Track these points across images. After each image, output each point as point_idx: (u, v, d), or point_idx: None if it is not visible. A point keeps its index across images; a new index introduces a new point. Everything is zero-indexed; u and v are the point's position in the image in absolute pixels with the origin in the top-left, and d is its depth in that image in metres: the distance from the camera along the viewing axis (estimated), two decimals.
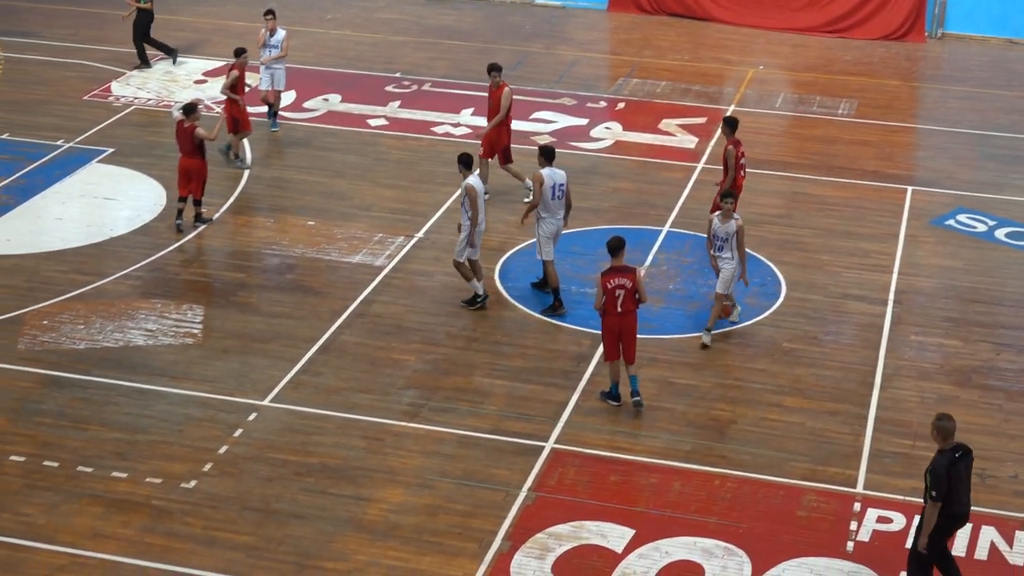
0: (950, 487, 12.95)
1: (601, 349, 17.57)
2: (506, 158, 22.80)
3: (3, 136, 25.19)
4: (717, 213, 18.57)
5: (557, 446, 16.28)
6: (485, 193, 20.08)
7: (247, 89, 24.45)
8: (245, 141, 24.49)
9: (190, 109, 21.58)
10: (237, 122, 23.87)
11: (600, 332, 17.28)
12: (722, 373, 17.95)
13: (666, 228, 22.03)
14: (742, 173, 20.67)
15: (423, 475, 15.71)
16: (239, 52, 24.10)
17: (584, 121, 26.61)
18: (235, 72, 23.79)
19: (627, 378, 17.08)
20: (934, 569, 13.56)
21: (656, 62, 30.34)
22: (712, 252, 18.58)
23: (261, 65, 25.46)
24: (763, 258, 21.06)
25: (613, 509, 15.14)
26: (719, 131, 25.92)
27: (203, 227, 21.63)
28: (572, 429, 16.64)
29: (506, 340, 18.68)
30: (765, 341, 18.80)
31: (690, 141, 25.70)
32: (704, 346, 18.39)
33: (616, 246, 17.01)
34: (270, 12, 25.43)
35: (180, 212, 21.55)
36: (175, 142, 21.89)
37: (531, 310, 19.39)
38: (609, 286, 16.81)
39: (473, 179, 19.06)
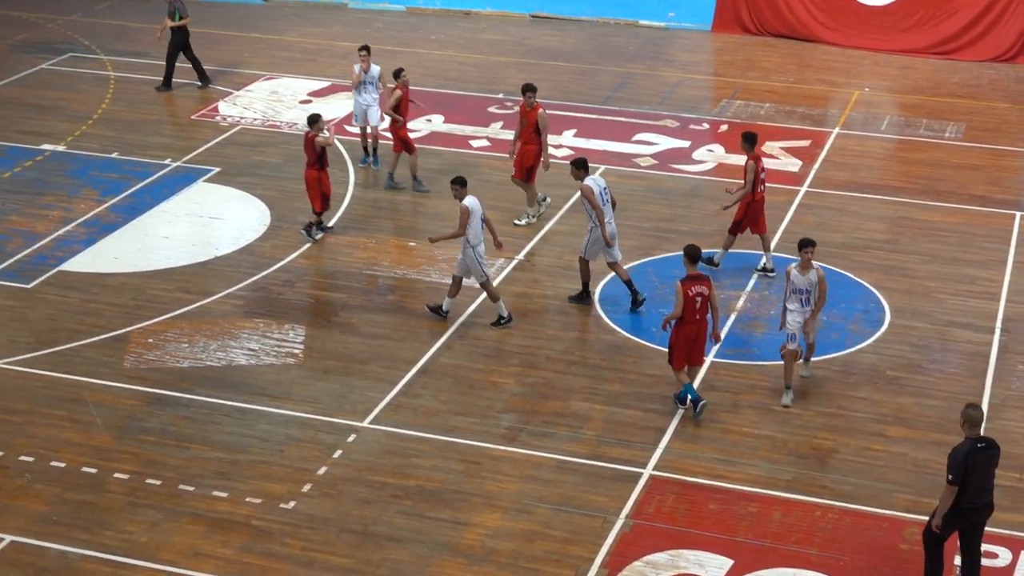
0: (966, 476, 13.21)
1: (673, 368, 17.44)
2: (527, 177, 22.82)
3: (113, 155, 25.62)
4: (795, 264, 17.51)
5: (656, 473, 16.17)
6: (533, 216, 22.43)
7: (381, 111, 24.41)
8: (348, 161, 24.66)
9: (313, 119, 21.87)
10: (407, 142, 23.90)
11: (673, 342, 17.25)
12: (824, 401, 17.74)
13: (769, 253, 21.81)
14: (761, 188, 20.76)
15: (520, 500, 15.68)
16: (398, 72, 23.86)
17: (687, 143, 26.48)
18: (398, 92, 23.61)
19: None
20: (943, 551, 13.82)
21: (760, 83, 30.14)
22: (787, 305, 17.53)
23: (360, 102, 24.79)
24: (867, 284, 20.80)
25: (711, 538, 15.01)
26: (823, 153, 25.71)
27: (312, 238, 21.94)
28: (671, 456, 16.53)
29: (605, 364, 18.62)
30: (868, 369, 18.55)
31: (793, 164, 25.46)
32: (786, 407, 17.60)
33: (695, 254, 17.29)
34: (365, 48, 24.89)
35: (319, 223, 22.20)
36: (304, 154, 22.21)
37: (631, 334, 19.31)
38: (690, 293, 16.94)
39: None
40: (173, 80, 29.22)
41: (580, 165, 19.95)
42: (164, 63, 29.21)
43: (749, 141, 20.80)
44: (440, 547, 14.87)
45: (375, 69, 24.70)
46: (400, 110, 23.67)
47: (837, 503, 15.65)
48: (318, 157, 21.86)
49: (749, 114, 28.07)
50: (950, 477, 13.32)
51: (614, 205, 20.13)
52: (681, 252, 17.55)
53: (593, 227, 19.73)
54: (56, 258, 21.53)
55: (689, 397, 17.35)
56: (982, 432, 13.58)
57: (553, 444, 16.78)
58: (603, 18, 34.91)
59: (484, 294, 19.95)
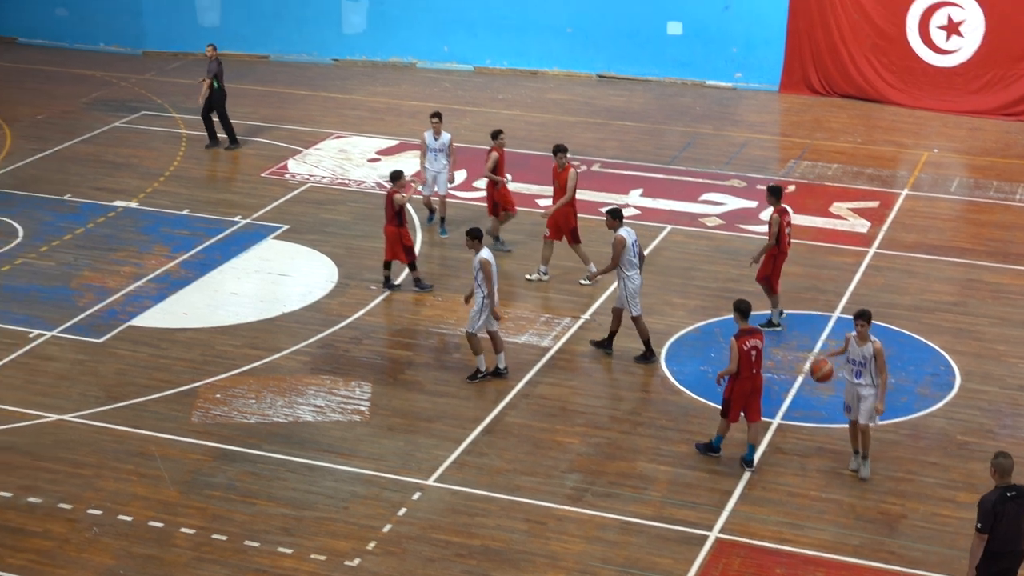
0: (995, 523, 13.39)
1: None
2: (574, 238, 22.92)
3: (184, 211, 25.92)
4: (853, 334, 17.10)
5: (722, 536, 16.05)
6: (545, 274, 22.80)
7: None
8: (416, 219, 24.81)
9: (395, 176, 22.17)
10: (497, 205, 23.87)
11: (728, 397, 17.31)
12: (893, 465, 17.55)
13: (836, 314, 21.72)
14: (788, 242, 20.92)
15: (585, 561, 15.61)
16: (496, 134, 23.99)
17: (754, 203, 26.44)
18: (495, 154, 23.69)
19: (746, 439, 17.54)
20: None
21: (828, 144, 30.06)
22: (850, 379, 17.14)
23: (429, 169, 24.61)
24: (937, 347, 20.62)
25: None
26: (892, 215, 25.58)
27: (424, 288, 22.39)
28: (737, 519, 16.41)
29: (671, 425, 18.54)
30: (937, 433, 18.35)
31: (862, 225, 25.35)
32: (863, 479, 17.21)
33: (746, 309, 17.40)
34: (437, 115, 24.85)
35: (386, 278, 22.47)
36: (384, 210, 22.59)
37: (697, 395, 19.23)
38: (745, 348, 17.01)
39: (486, 252, 19.60)
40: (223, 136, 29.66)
41: (615, 215, 20.23)
42: (217, 122, 29.57)
43: (775, 194, 21.04)
44: None
45: (446, 136, 24.69)
46: (498, 172, 23.80)
47: (906, 569, 15.47)
48: (396, 213, 22.04)
49: (817, 175, 28.00)
50: (979, 525, 13.52)
51: (642, 259, 20.29)
52: (756, 312, 17.51)
53: (627, 280, 19.87)
54: (127, 313, 21.78)
55: (748, 459, 17.40)
56: (1012, 481, 13.67)
57: (618, 505, 16.71)
58: (670, 78, 35.01)
59: (548, 355, 20.00)
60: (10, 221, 25.46)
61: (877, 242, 24.61)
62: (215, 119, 29.50)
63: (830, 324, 21.31)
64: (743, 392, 17.17)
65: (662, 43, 34.94)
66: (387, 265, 22.53)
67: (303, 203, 26.46)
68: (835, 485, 17.07)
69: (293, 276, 23.27)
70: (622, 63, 35.37)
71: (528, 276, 22.99)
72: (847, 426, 17.55)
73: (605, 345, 20.43)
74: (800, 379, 19.69)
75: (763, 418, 17.63)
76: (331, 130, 30.83)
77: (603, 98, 33.71)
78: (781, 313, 21.27)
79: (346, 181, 27.60)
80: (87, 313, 21.77)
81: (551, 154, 23.11)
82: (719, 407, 18.69)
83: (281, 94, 33.79)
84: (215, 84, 29.12)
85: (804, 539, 15.99)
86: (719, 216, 25.82)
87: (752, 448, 17.40)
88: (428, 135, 24.67)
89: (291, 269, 23.52)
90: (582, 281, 22.75)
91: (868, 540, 15.99)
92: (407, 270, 22.64)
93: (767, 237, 21.21)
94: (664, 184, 27.41)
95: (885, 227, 25.25)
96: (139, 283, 22.72)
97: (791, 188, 27.28)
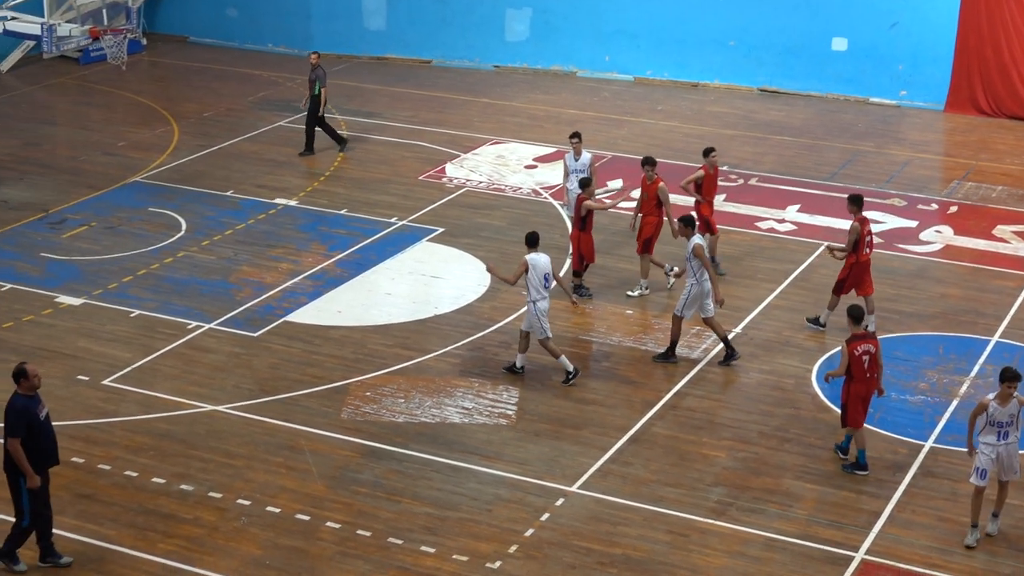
0: None
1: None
2: (643, 249, 22.75)
3: (342, 211, 26.30)
4: (993, 396, 15.87)
5: (868, 557, 15.78)
6: (646, 288, 22.68)
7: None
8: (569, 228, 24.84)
9: (585, 183, 22.32)
10: (707, 224, 23.06)
11: (845, 401, 17.51)
12: None
13: (995, 338, 21.23)
14: (867, 250, 20.97)
15: None
16: (707, 152, 23.36)
17: (914, 223, 25.97)
18: (700, 172, 23.12)
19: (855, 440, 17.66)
20: None
21: (993, 166, 29.41)
22: (982, 438, 15.95)
23: (571, 189, 23.95)
24: None
25: None
26: None
27: (579, 298, 22.25)
28: (885, 541, 16.12)
29: (820, 443, 18.29)
30: None
31: None
32: (968, 547, 16.03)
33: (859, 315, 17.52)
34: (576, 135, 24.18)
35: (576, 286, 22.60)
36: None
37: None
38: (856, 352, 17.18)
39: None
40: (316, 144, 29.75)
41: (688, 223, 20.37)
42: (467, 130, 29.81)
43: (855, 203, 21.18)
44: None
45: (586, 157, 24.13)
46: (704, 190, 23.19)
47: None
48: (582, 219, 22.12)
49: (980, 196, 27.41)
50: None
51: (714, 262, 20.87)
52: (903, 334, 17.26)
53: (694, 284, 19.99)
54: (283, 309, 22.16)
55: (859, 460, 17.61)
56: None
57: (763, 521, 16.53)
58: (833, 94, 34.57)
59: (697, 368, 19.88)
60: (174, 215, 26.09)
61: None
62: (317, 125, 29.64)
63: (988, 348, 20.83)
64: (858, 395, 17.31)
65: (826, 58, 34.51)
66: (576, 273, 22.61)
67: (459, 207, 26.66)
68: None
69: (446, 279, 23.46)
70: (784, 77, 35.01)
71: (629, 293, 22.77)
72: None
73: (668, 356, 20.46)
74: (955, 403, 19.28)
75: (914, 440, 17.38)
76: (489, 136, 31.03)
77: (763, 112, 33.41)
78: (818, 321, 21.55)
79: (502, 187, 27.75)
80: (244, 307, 22.20)
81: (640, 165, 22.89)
82: (872, 428, 18.44)
83: (442, 99, 34.11)
84: (316, 90, 29.23)
85: (953, 565, 15.65)
86: (877, 235, 25.37)
87: (862, 452, 17.54)
88: (569, 156, 24.25)
89: (444, 272, 23.72)
90: (629, 293, 22.71)
91: (1020, 569, 15.58)
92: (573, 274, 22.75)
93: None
94: (822, 200, 27.06)
95: None
96: (295, 280, 23.10)
97: (953, 209, 26.75)
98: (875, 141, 31.11)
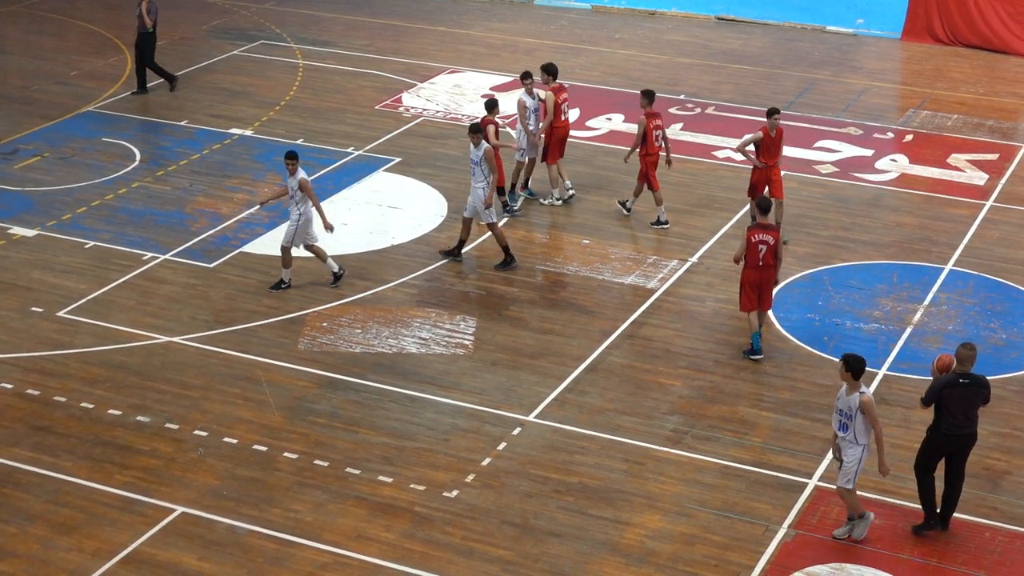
0: (940, 405, 14.52)
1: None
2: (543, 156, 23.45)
3: (298, 141, 26.13)
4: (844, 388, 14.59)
5: (821, 484, 15.95)
6: (558, 198, 23.32)
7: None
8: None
9: (491, 106, 22.41)
10: (754, 188, 21.65)
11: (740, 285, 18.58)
12: (999, 421, 17.30)
13: (948, 267, 21.39)
14: (658, 144, 22.35)
15: (682, 503, 15.62)
16: (771, 112, 21.54)
17: (870, 152, 26.05)
18: (759, 134, 21.48)
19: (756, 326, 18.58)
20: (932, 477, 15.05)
21: (948, 94, 29.50)
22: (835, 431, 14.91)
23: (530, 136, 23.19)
24: None
25: (875, 553, 14.77)
26: (1012, 168, 25.09)
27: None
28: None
29: (775, 372, 18.43)
30: None
31: (979, 178, 24.88)
32: (835, 538, 15.09)
33: (767, 206, 18.62)
34: (528, 75, 23.05)
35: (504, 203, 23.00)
36: None
37: (803, 343, 19.08)
38: (753, 240, 18.15)
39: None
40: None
41: (474, 130, 20.81)
42: (423, 59, 29.39)
43: (646, 96, 22.36)
44: (599, 545, 14.88)
45: (542, 95, 23.20)
46: (764, 154, 21.45)
47: (1008, 526, 15.28)
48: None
49: (936, 125, 27.50)
50: (923, 397, 14.72)
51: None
52: (857, 263, 17.34)
53: (484, 186, 20.80)
54: (239, 239, 22.07)
55: (752, 345, 18.67)
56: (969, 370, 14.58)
57: (718, 449, 16.67)
58: (790, 23, 34.52)
59: (654, 297, 19.98)
60: (128, 145, 25.88)
61: (995, 195, 24.15)
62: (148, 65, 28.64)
63: (941, 276, 20.99)
64: (750, 281, 18.32)
65: None
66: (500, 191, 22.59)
67: (416, 136, 26.54)
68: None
69: (403, 209, 23.39)
70: (741, 6, 34.94)
71: (541, 201, 23.59)
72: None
73: (454, 254, 21.39)
74: (908, 331, 19.44)
75: (869, 368, 17.48)
76: (446, 64, 30.85)
77: (720, 40, 33.34)
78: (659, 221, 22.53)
79: (459, 116, 27.62)
80: (200, 238, 22.09)
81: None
82: (826, 355, 18.60)
83: (398, 27, 33.85)
84: (150, 27, 28.17)
85: (905, 491, 15.81)
86: (833, 164, 25.48)
87: (756, 336, 18.61)
88: (524, 95, 23.05)
89: (401, 202, 23.64)
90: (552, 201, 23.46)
91: (970, 495, 15.78)
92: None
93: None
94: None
95: (1004, 180, 24.77)
96: (252, 210, 22.98)
97: (908, 138, 26.84)
98: (832, 70, 31.12)
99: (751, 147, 21.68)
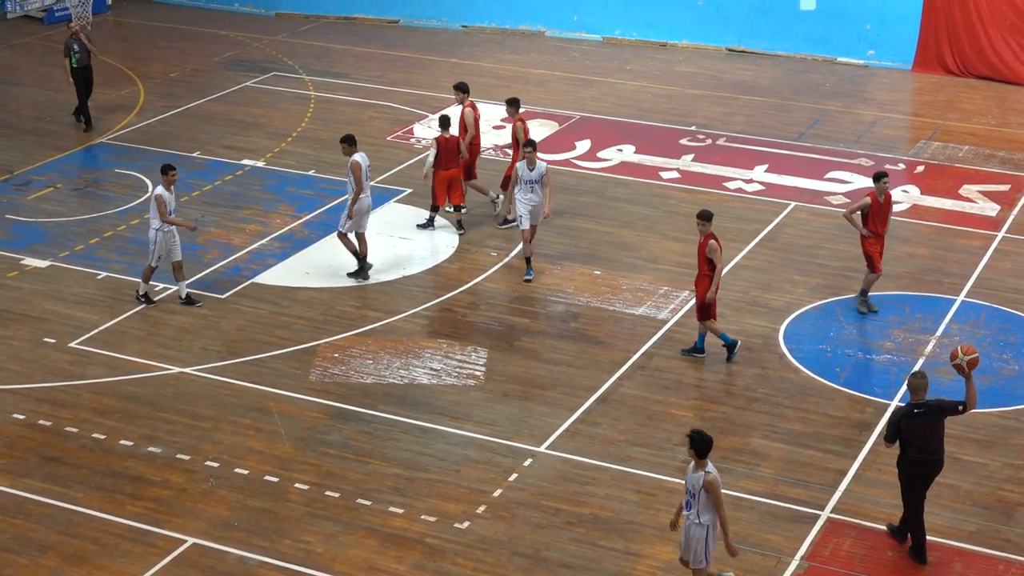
0: (902, 437, 14.77)
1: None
2: (468, 175, 24.04)
3: (310, 172, 26.20)
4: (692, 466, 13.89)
5: (834, 516, 15.90)
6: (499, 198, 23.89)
7: None
8: None
9: (445, 122, 23.35)
10: (871, 259, 20.55)
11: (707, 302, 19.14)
12: (1013, 452, 17.24)
13: (960, 298, 21.35)
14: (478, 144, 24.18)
15: None
16: (877, 177, 20.39)
17: None
18: (867, 200, 20.35)
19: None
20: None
21: (960, 125, 29.50)
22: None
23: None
24: None
25: None
26: (1023, 199, 25.06)
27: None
28: (851, 499, 16.23)
29: (787, 403, 18.39)
30: None
31: (991, 208, 24.86)
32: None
33: (708, 216, 18.97)
34: (531, 144, 21.74)
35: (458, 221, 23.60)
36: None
37: (815, 374, 19.04)
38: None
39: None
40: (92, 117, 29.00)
41: (349, 141, 21.53)
42: (435, 90, 29.60)
43: (512, 104, 23.65)
44: None
45: (542, 166, 21.70)
46: (871, 222, 20.35)
47: (1021, 558, 15.19)
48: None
49: (947, 156, 27.50)
50: (885, 435, 15.09)
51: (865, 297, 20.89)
52: (870, 294, 17.23)
53: (351, 200, 21.41)
54: (250, 270, 22.10)
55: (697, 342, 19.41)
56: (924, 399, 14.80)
57: (730, 480, 16.60)
58: (801, 54, 34.58)
59: (665, 328, 19.99)
60: (140, 176, 25.95)
61: (1006, 226, 24.11)
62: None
63: (953, 307, 20.95)
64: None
65: (794, 18, 34.51)
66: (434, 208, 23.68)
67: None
68: (952, 470, 16.78)
69: (414, 240, 23.42)
70: (752, 37, 35.00)
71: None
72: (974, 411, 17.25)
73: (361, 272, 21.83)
74: (921, 362, 19.39)
75: (880, 399, 17.52)
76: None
77: (731, 72, 33.39)
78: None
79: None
80: (211, 269, 22.13)
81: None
82: (838, 387, 18.57)
83: (409, 59, 33.97)
84: (73, 62, 28.19)
85: None
86: (844, 195, 25.47)
87: (701, 338, 19.44)
88: (522, 165, 21.64)
89: (413, 233, 23.67)
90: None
91: (984, 527, 15.73)
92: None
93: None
94: (790, 160, 27.11)
95: (1015, 211, 24.73)
96: (263, 241, 23.03)
97: (919, 169, 26.84)
98: (843, 101, 31.16)
99: (857, 214, 20.47)
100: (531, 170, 21.55)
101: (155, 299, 20.99)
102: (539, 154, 22.16)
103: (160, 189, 20.52)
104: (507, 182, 23.23)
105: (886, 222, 20.57)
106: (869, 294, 20.84)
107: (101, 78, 32.00)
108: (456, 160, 23.26)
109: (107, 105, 30.11)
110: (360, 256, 21.82)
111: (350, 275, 21.80)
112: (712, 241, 18.93)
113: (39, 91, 31.36)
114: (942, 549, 15.33)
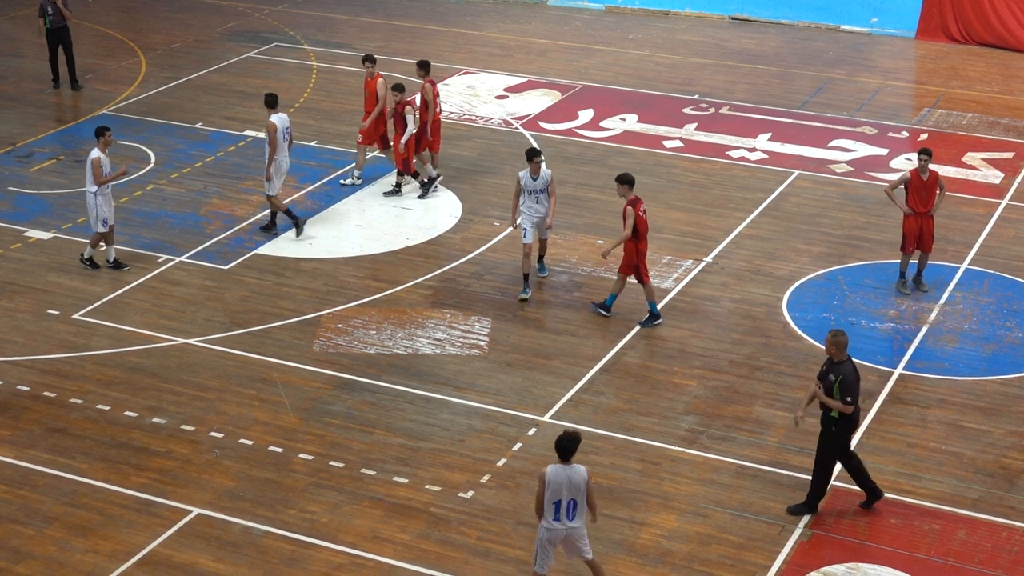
0: (854, 396, 14.75)
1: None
2: (384, 144, 24.12)
3: (312, 143, 26.17)
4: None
5: (837, 484, 15.91)
6: (359, 179, 24.22)
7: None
8: None
9: (400, 88, 23.31)
10: (906, 240, 20.07)
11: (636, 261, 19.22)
12: (1017, 420, 17.26)
13: (964, 265, 21.34)
14: (438, 110, 23.83)
15: (697, 503, 15.60)
16: (921, 153, 19.66)
17: (884, 151, 26.00)
18: (906, 174, 20.02)
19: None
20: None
21: (963, 93, 29.43)
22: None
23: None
24: None
25: (892, 553, 14.73)
26: None
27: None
28: None
29: (790, 371, 18.39)
30: None
31: (995, 176, 24.82)
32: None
33: (632, 180, 19.26)
34: (537, 152, 20.30)
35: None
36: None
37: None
38: (641, 212, 19.11)
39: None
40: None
41: (269, 102, 21.98)
42: (444, 62, 29.49)
43: (422, 67, 23.77)
44: (615, 545, 14.87)
45: (546, 174, 20.39)
46: (911, 199, 19.88)
47: None
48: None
49: (951, 124, 27.44)
50: (849, 400, 14.73)
51: (291, 143, 22.30)
52: (873, 262, 17.24)
53: (268, 161, 21.70)
54: (253, 241, 22.09)
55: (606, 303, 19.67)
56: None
57: (733, 449, 16.64)
58: (804, 22, 34.47)
59: (669, 296, 19.97)
60: (143, 147, 25.93)
61: (1010, 193, 24.08)
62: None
63: (957, 275, 20.94)
64: (644, 253, 19.30)
65: None
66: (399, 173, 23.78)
67: None
68: (955, 437, 16.84)
69: (417, 210, 23.40)
70: (755, 5, 34.90)
71: (343, 181, 24.23)
72: (970, 379, 17.28)
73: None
74: (924, 330, 19.40)
75: (884, 367, 17.50)
76: (460, 66, 30.87)
77: (734, 40, 33.30)
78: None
79: (473, 117, 27.63)
80: (215, 240, 22.12)
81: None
82: None
83: (412, 28, 33.88)
84: (47, 22, 28.87)
85: (921, 490, 15.81)
86: (848, 163, 25.44)
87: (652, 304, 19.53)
88: (524, 174, 20.27)
89: (415, 203, 23.65)
90: (343, 182, 24.29)
91: (987, 494, 15.76)
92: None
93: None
94: (793, 129, 27.06)
95: (1019, 179, 24.70)
96: (266, 212, 22.99)
97: (923, 136, 26.78)
98: (846, 69, 31.07)
99: (900, 190, 19.90)
100: (535, 179, 20.12)
101: (100, 264, 21.17)
102: (540, 158, 21.77)
103: (96, 152, 20.76)
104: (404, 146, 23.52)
105: (927, 202, 19.85)
106: (920, 275, 20.40)
107: (102, 50, 31.96)
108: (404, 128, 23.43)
109: (109, 77, 30.05)
110: (292, 213, 22.27)
111: (262, 228, 22.40)
112: (629, 207, 19.23)
113: (40, 63, 31.25)
114: (946, 516, 15.37)
